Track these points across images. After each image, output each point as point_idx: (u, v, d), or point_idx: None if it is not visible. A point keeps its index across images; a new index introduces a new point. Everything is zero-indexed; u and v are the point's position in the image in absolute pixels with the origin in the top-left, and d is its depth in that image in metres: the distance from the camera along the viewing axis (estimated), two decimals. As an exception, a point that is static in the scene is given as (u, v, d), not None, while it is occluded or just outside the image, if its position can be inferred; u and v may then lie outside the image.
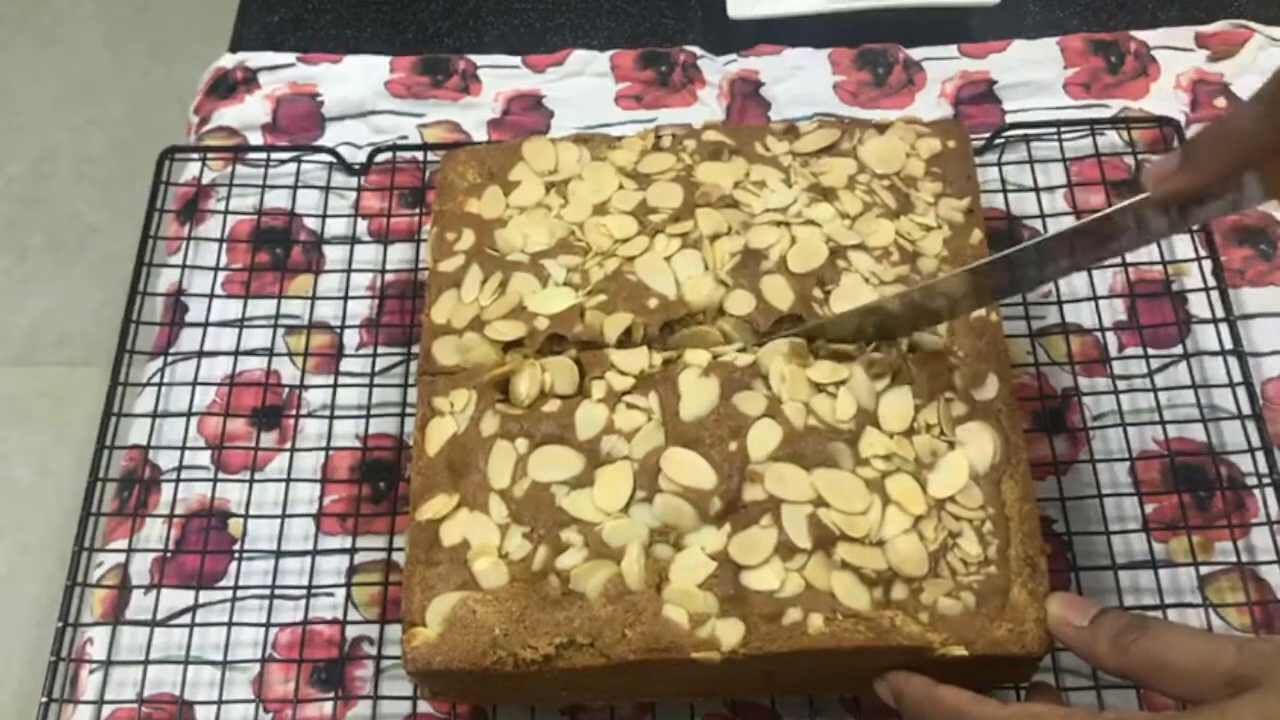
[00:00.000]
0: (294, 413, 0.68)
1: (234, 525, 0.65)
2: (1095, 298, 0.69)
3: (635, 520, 0.53)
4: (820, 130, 0.65)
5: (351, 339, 0.70)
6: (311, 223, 0.74)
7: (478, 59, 0.81)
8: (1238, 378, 0.65)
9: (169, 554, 0.64)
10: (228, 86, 0.80)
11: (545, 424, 0.56)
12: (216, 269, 0.72)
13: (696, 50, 0.81)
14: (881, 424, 0.55)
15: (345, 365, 0.69)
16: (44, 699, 0.60)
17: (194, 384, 0.68)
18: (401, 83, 0.80)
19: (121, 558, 0.64)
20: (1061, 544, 0.61)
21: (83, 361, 1.43)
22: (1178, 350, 0.67)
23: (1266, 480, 0.62)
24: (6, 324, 1.47)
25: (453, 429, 0.57)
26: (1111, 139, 0.74)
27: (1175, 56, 0.78)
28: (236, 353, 0.69)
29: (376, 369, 0.69)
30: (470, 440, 0.56)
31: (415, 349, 0.68)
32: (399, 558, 0.61)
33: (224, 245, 0.73)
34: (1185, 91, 0.77)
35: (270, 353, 0.70)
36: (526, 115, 0.79)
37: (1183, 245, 0.70)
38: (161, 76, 1.64)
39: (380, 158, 0.76)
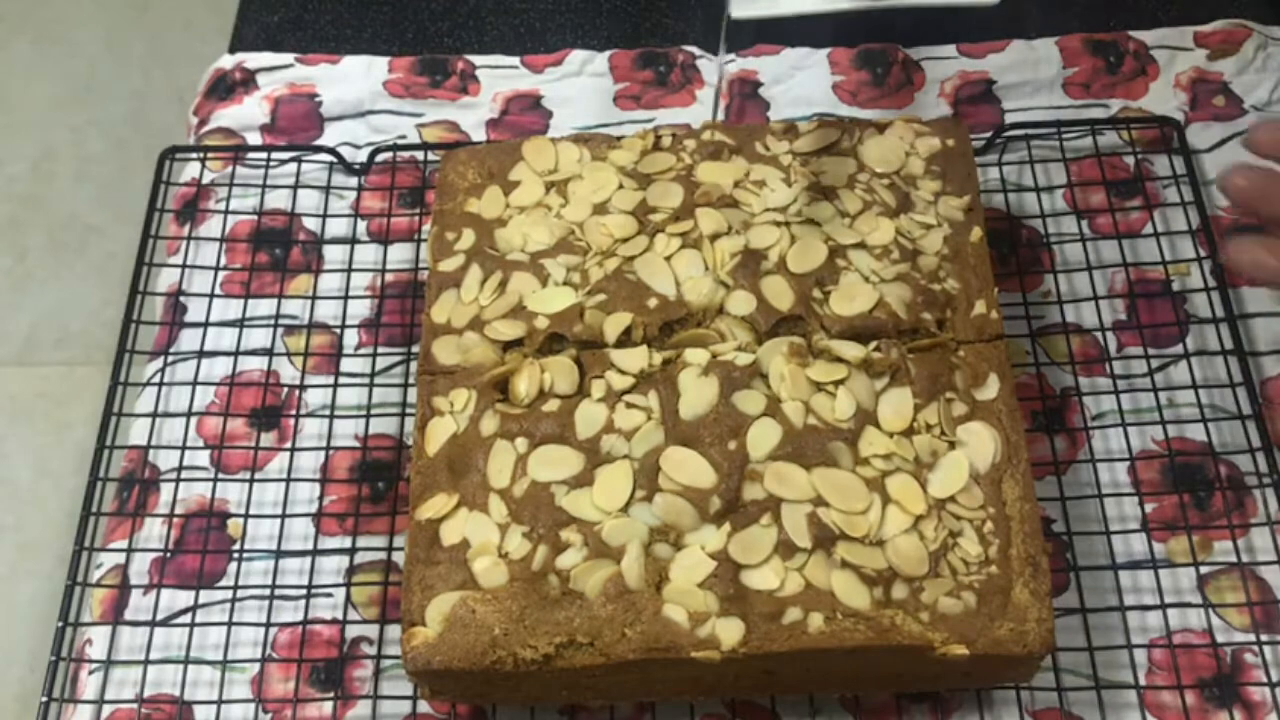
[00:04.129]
0: (293, 413, 0.68)
1: (233, 525, 0.65)
2: (1095, 297, 0.69)
3: (635, 519, 0.53)
4: (820, 129, 0.65)
5: (351, 339, 0.70)
6: (311, 223, 0.74)
7: (476, 59, 0.81)
8: (1238, 378, 0.65)
9: (169, 554, 0.64)
10: (226, 88, 0.80)
11: (545, 423, 0.56)
12: (216, 269, 0.72)
13: (695, 50, 0.81)
14: (881, 423, 0.55)
15: (345, 365, 0.69)
16: (44, 699, 0.60)
17: (194, 384, 0.68)
18: (400, 83, 0.80)
19: (121, 558, 0.64)
20: (1061, 544, 0.61)
21: (83, 361, 1.43)
22: (1178, 350, 0.67)
23: (1266, 480, 0.62)
24: (6, 324, 1.47)
25: (452, 429, 0.57)
26: (1111, 139, 0.74)
27: (1174, 56, 0.78)
28: (236, 353, 0.69)
29: (376, 369, 0.69)
30: (470, 440, 0.56)
31: (415, 349, 0.68)
32: (398, 558, 0.62)
33: (224, 245, 0.73)
34: (1184, 90, 0.77)
35: (270, 353, 0.70)
36: (525, 115, 0.79)
37: (1183, 245, 0.70)
38: (161, 76, 1.63)
39: (380, 158, 0.76)
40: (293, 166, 0.76)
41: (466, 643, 0.52)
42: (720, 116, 0.77)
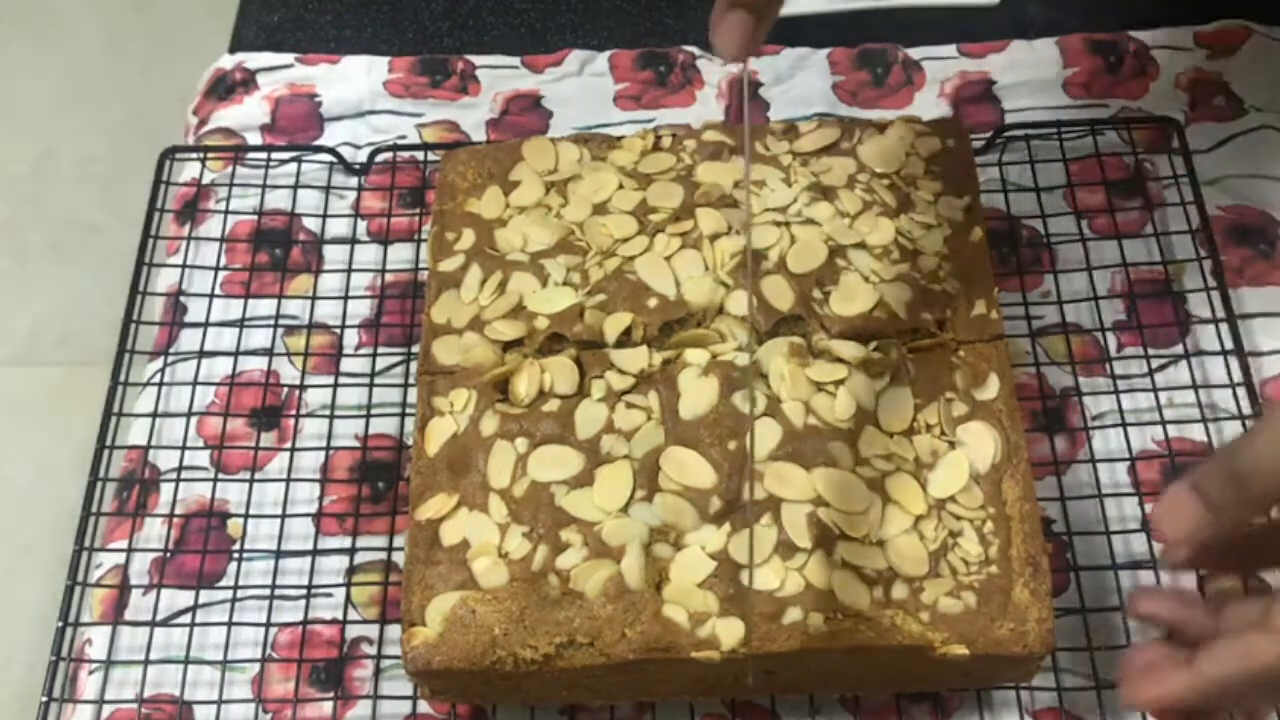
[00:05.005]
0: (294, 413, 0.68)
1: (233, 525, 0.65)
2: (1095, 298, 0.68)
3: (635, 519, 0.53)
4: (820, 129, 0.65)
5: (351, 339, 0.70)
6: (311, 223, 0.74)
7: (476, 59, 0.81)
8: (1238, 378, 0.65)
9: (169, 554, 0.64)
10: (226, 88, 0.80)
11: (545, 423, 0.56)
12: (216, 269, 0.72)
13: (695, 50, 0.81)
14: (881, 423, 0.55)
15: (345, 365, 0.69)
16: (44, 699, 0.60)
17: (194, 384, 0.68)
18: (400, 83, 0.80)
19: (121, 558, 0.64)
20: (1061, 544, 0.61)
21: (83, 361, 1.43)
22: (1178, 350, 0.67)
23: (1266, 480, 0.62)
24: (6, 324, 1.47)
25: (452, 429, 0.57)
26: (1111, 139, 0.74)
27: (1174, 56, 0.78)
28: (236, 353, 0.69)
29: (376, 369, 0.69)
30: (470, 440, 0.56)
31: (415, 349, 0.68)
32: (398, 558, 0.61)
33: (224, 245, 0.73)
34: (1184, 91, 0.77)
35: (270, 353, 0.69)
36: (525, 115, 0.79)
37: (1183, 245, 0.70)
38: (161, 76, 1.63)
39: (380, 158, 0.76)
40: (293, 166, 0.76)
41: (466, 643, 0.52)
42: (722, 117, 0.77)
